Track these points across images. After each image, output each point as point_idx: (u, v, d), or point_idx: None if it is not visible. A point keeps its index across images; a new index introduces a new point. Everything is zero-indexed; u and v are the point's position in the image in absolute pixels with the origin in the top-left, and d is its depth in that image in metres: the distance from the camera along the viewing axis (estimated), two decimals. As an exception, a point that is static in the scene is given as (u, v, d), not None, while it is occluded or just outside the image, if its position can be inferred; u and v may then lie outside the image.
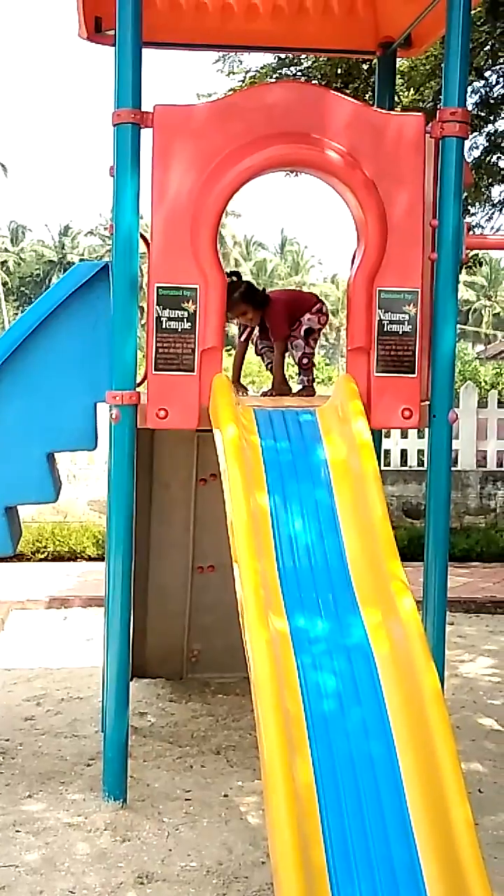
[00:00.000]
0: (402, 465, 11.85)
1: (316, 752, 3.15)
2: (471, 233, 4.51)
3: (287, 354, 5.17)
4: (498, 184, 10.47)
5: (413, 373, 4.45)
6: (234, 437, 3.86)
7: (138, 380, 4.42)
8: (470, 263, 10.15)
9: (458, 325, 5.13)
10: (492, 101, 9.88)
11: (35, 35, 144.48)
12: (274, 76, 9.67)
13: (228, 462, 3.79)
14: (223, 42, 5.96)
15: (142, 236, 4.41)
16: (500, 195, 10.78)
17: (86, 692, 6.03)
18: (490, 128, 10.11)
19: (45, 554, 10.26)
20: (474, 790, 4.55)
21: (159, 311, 4.34)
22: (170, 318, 4.34)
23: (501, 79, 9.90)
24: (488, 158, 10.14)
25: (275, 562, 3.71)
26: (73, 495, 10.95)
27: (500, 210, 10.83)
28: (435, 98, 9.15)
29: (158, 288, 4.33)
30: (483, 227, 10.87)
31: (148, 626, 5.79)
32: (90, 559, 10.10)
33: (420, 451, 11.68)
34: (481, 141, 10.16)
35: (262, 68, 9.82)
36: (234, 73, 9.95)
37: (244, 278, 5.22)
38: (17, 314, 49.70)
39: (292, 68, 9.68)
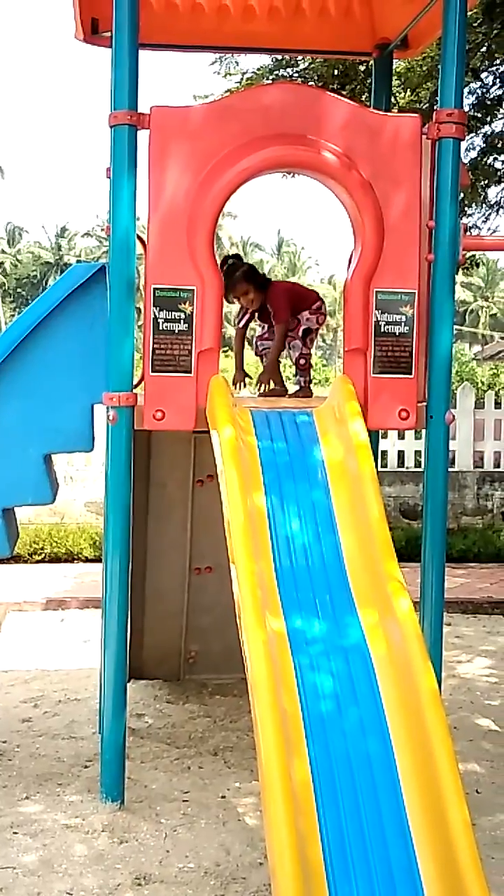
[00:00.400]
0: (399, 466, 11.85)
1: (313, 752, 3.15)
2: (467, 234, 4.52)
3: (284, 354, 5.17)
4: (494, 185, 10.48)
5: (410, 374, 4.45)
6: (231, 438, 3.86)
7: (135, 381, 4.43)
8: (467, 264, 10.16)
9: (455, 326, 5.14)
10: (488, 103, 9.88)
11: (31, 36, 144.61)
12: (270, 77, 9.66)
13: (225, 463, 3.79)
14: (219, 43, 5.97)
15: (138, 238, 4.42)
16: (496, 196, 10.78)
17: (83, 694, 6.04)
18: (487, 129, 10.11)
19: (42, 555, 10.26)
20: (472, 791, 4.55)
21: (156, 313, 4.34)
22: (167, 320, 4.34)
23: (498, 80, 9.91)
24: (485, 159, 10.15)
25: (272, 562, 3.71)
26: (70, 497, 10.95)
27: (497, 211, 10.83)
28: (431, 99, 9.15)
29: (155, 289, 4.33)
30: (480, 228, 10.87)
31: (145, 627, 5.79)
32: (87, 561, 10.10)
33: (417, 452, 11.68)
34: (478, 142, 10.17)
35: (258, 70, 9.82)
36: (230, 75, 9.95)
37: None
38: (13, 316, 49.68)
39: (289, 69, 9.68)
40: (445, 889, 2.86)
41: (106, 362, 4.41)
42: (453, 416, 4.55)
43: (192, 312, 4.34)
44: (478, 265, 13.41)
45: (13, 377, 4.63)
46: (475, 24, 8.54)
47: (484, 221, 10.93)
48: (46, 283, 55.60)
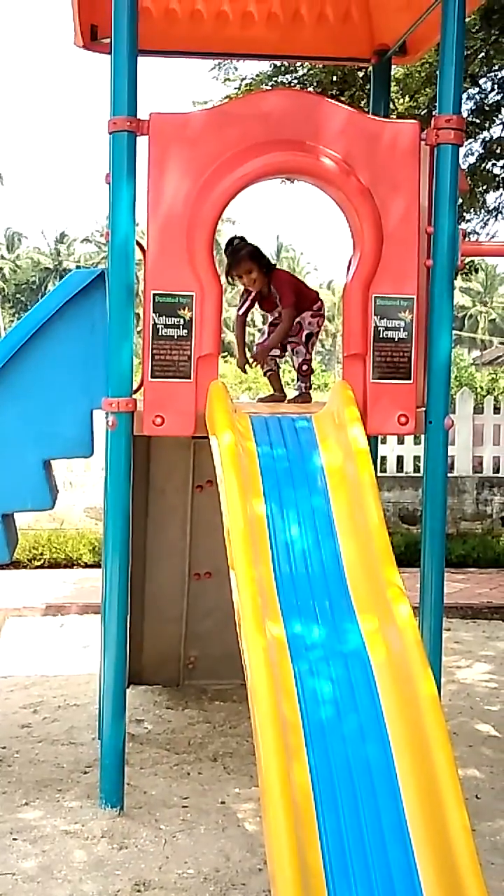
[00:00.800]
0: (398, 472, 11.86)
1: (313, 758, 3.14)
2: (466, 239, 4.52)
3: (283, 360, 5.16)
4: (493, 190, 10.51)
5: (409, 379, 4.46)
6: (230, 444, 3.86)
7: (135, 387, 4.43)
8: (465, 270, 10.18)
9: (454, 331, 5.15)
10: (487, 108, 9.92)
11: (31, 43, 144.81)
12: (269, 84, 9.70)
13: (225, 469, 3.79)
14: (219, 50, 5.97)
15: (138, 243, 4.42)
16: (495, 202, 10.82)
17: (82, 699, 6.03)
18: (485, 134, 10.15)
19: (42, 561, 10.25)
20: (471, 796, 4.55)
21: (155, 319, 4.34)
22: (166, 326, 4.34)
23: (496, 86, 9.94)
24: (483, 165, 10.18)
25: (271, 568, 3.71)
26: (69, 502, 10.95)
27: (496, 216, 10.87)
28: (430, 105, 9.18)
29: (154, 295, 4.34)
30: (478, 234, 10.91)
31: (144, 632, 5.78)
32: (87, 566, 10.09)
33: (416, 458, 11.69)
34: (476, 147, 10.21)
35: (257, 76, 9.85)
36: (229, 81, 9.98)
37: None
38: (13, 321, 49.67)
39: (288, 76, 9.72)
40: (445, 894, 2.86)
41: (105, 368, 4.41)
42: (452, 422, 4.56)
43: (191, 318, 4.34)
44: (476, 270, 13.45)
45: (12, 383, 4.63)
46: (474, 31, 8.57)
47: (482, 227, 10.98)
48: (45, 289, 55.65)
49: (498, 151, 10.10)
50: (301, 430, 4.25)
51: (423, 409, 4.51)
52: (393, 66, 5.89)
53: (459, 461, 11.65)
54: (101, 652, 4.52)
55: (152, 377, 4.36)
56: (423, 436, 4.56)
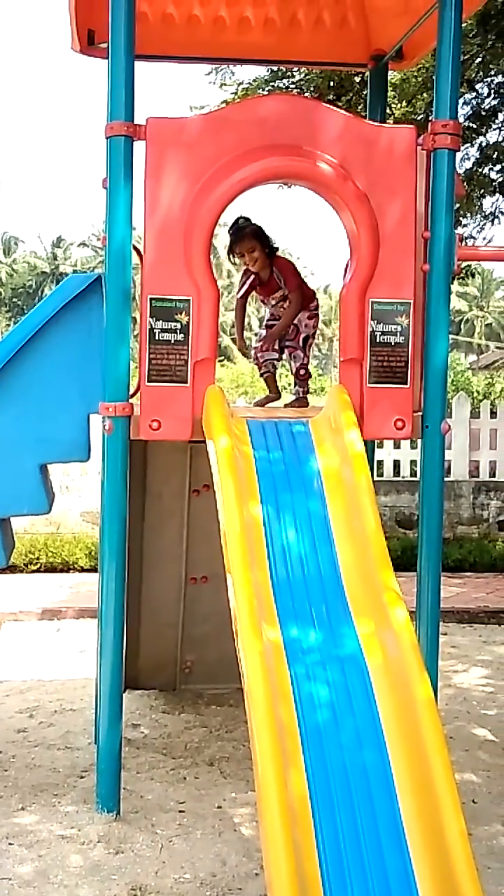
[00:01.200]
0: (394, 476, 11.86)
1: (310, 762, 3.14)
2: (463, 244, 4.53)
3: (282, 364, 5.17)
4: (489, 195, 10.53)
5: (406, 383, 4.46)
6: (227, 448, 3.87)
7: (131, 391, 4.43)
8: (462, 274, 10.19)
9: (451, 336, 5.15)
10: (483, 113, 9.95)
11: (28, 47, 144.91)
12: (266, 89, 9.72)
13: (221, 473, 3.79)
14: (215, 55, 5.98)
15: (135, 248, 4.42)
16: (491, 206, 10.84)
17: (79, 704, 6.03)
18: (482, 139, 10.17)
19: (38, 565, 10.24)
20: (468, 801, 4.55)
21: (152, 323, 4.34)
22: (163, 330, 4.35)
23: (493, 91, 9.97)
24: (480, 170, 10.20)
25: (268, 572, 3.71)
26: (66, 506, 10.93)
27: (492, 221, 10.88)
28: (427, 110, 9.20)
29: (151, 299, 4.34)
30: (475, 239, 10.92)
31: (141, 637, 5.78)
32: (83, 570, 10.08)
33: (413, 462, 11.69)
34: (473, 152, 10.24)
35: (254, 81, 9.87)
36: (226, 86, 10.01)
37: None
38: (9, 325, 49.68)
39: (284, 81, 9.74)
40: (442, 899, 2.86)
41: (102, 372, 4.42)
42: (449, 426, 4.56)
43: (188, 322, 4.35)
44: (473, 275, 13.46)
45: (9, 387, 4.62)
46: (470, 36, 8.59)
47: (479, 231, 11.00)
48: (42, 293, 55.59)
49: (494, 156, 10.13)
50: (298, 434, 4.25)
51: (420, 413, 4.51)
52: (390, 72, 5.91)
53: (456, 465, 11.65)
54: (97, 656, 4.52)
55: (149, 381, 4.37)
56: (419, 440, 4.56)
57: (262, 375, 5.30)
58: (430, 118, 4.50)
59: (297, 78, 9.69)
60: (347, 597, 3.65)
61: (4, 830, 4.25)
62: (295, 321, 4.99)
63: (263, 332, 5.17)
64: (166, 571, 5.74)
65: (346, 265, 4.47)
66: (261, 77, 9.84)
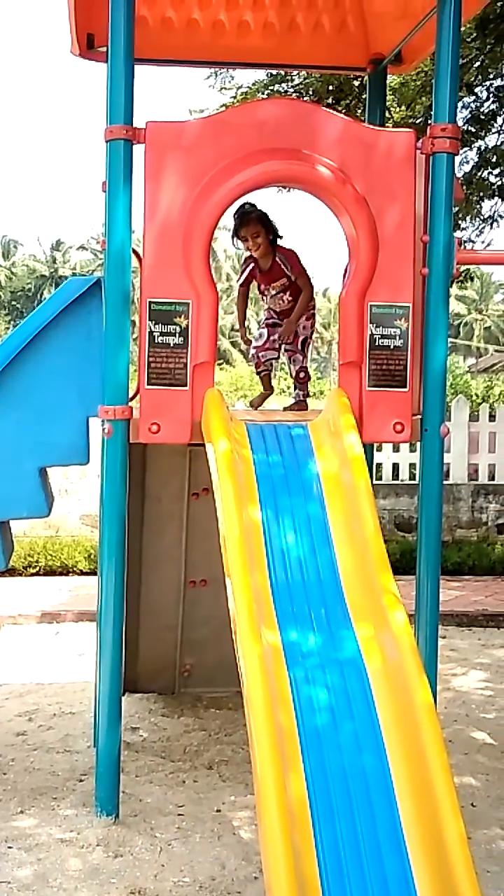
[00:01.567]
0: (393, 479, 11.86)
1: (309, 766, 3.14)
2: (462, 248, 4.53)
3: (279, 366, 5.17)
4: (488, 198, 10.54)
5: (404, 387, 4.46)
6: (226, 451, 3.87)
7: (130, 394, 4.43)
8: (461, 278, 10.20)
9: (450, 339, 5.16)
10: (482, 117, 9.96)
11: (28, 51, 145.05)
12: (265, 92, 9.73)
13: (221, 476, 3.79)
14: (215, 58, 6.00)
15: (134, 251, 4.43)
16: (490, 210, 10.85)
17: (78, 707, 6.02)
18: (480, 143, 10.18)
19: (37, 568, 10.24)
20: (467, 804, 4.54)
21: (151, 326, 4.35)
22: (162, 333, 4.35)
23: (491, 95, 9.98)
24: (479, 174, 10.21)
25: (267, 576, 3.71)
26: (65, 510, 10.93)
27: (491, 225, 10.89)
28: (426, 114, 9.21)
29: (150, 303, 4.34)
30: (474, 242, 10.92)
31: (140, 640, 5.78)
32: (82, 574, 10.08)
33: (412, 465, 11.69)
34: (472, 156, 10.24)
35: (253, 84, 9.88)
36: (225, 90, 10.02)
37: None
38: (8, 329, 49.68)
39: (284, 84, 9.75)
40: (441, 903, 2.86)
41: (101, 375, 4.42)
42: (448, 429, 4.56)
43: (187, 326, 4.35)
44: (472, 278, 13.47)
45: (8, 390, 4.62)
46: (469, 40, 8.61)
47: (478, 235, 10.99)
48: (41, 297, 55.65)
49: (493, 160, 10.13)
50: (297, 437, 4.26)
51: (419, 416, 4.52)
52: (388, 75, 5.92)
53: (455, 469, 11.64)
54: (96, 659, 4.52)
55: (148, 385, 4.37)
56: (418, 443, 4.56)
57: (259, 373, 5.30)
58: (429, 122, 4.50)
59: (297, 82, 9.70)
60: (346, 600, 3.65)
61: (3, 834, 4.24)
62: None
63: (264, 332, 5.17)
64: (165, 575, 5.73)
65: (346, 269, 4.48)
66: (260, 81, 9.85)
